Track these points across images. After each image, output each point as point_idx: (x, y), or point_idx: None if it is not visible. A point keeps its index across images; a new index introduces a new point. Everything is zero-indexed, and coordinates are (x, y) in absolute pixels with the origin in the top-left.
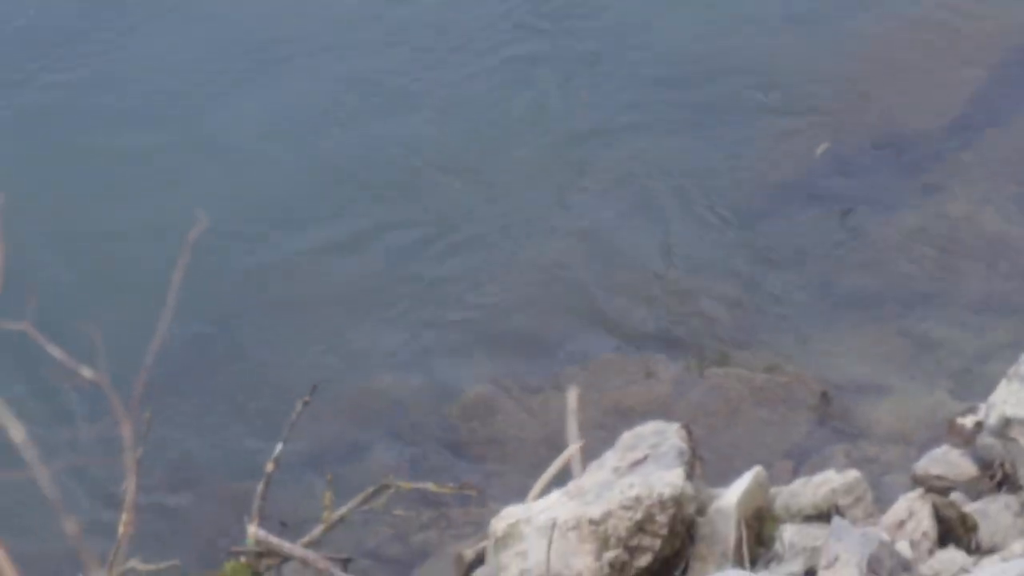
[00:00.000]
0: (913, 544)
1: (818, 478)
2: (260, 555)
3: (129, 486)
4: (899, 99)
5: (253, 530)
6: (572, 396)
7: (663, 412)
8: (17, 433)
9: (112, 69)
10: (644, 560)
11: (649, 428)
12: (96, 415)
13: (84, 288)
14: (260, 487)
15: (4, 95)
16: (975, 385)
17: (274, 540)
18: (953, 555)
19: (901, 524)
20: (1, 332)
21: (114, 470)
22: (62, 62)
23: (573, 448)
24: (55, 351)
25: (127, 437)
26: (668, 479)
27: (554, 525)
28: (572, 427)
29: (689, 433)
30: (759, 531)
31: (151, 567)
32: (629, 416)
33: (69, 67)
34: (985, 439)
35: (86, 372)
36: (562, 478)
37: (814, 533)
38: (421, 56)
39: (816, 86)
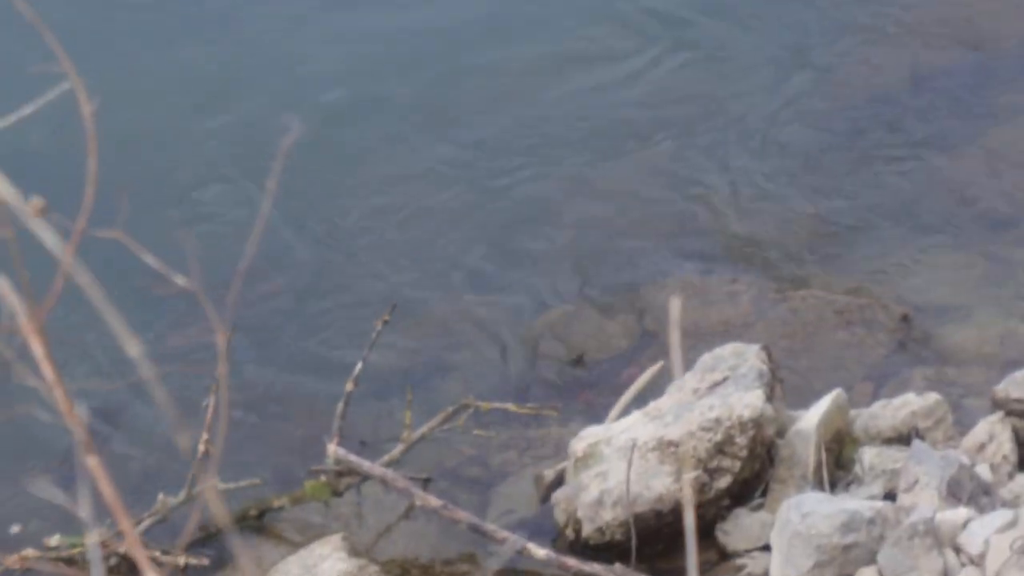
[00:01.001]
0: (993, 467)
1: (898, 401)
2: (340, 474)
3: (215, 403)
4: (978, 19)
5: (333, 449)
6: (675, 306)
7: (742, 334)
8: (134, 348)
9: None
10: (724, 482)
11: (728, 350)
12: (177, 327)
13: (175, 196)
14: (340, 406)
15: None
16: None
17: (354, 459)
18: None
19: (981, 447)
20: (94, 239)
21: (194, 386)
22: None
23: (653, 368)
24: (149, 258)
25: (222, 349)
26: (748, 401)
27: (634, 446)
28: (675, 338)
29: (769, 355)
30: (839, 454)
31: (231, 485)
32: (708, 338)
33: None
34: None
35: (180, 280)
36: (642, 399)
37: (894, 456)
38: None
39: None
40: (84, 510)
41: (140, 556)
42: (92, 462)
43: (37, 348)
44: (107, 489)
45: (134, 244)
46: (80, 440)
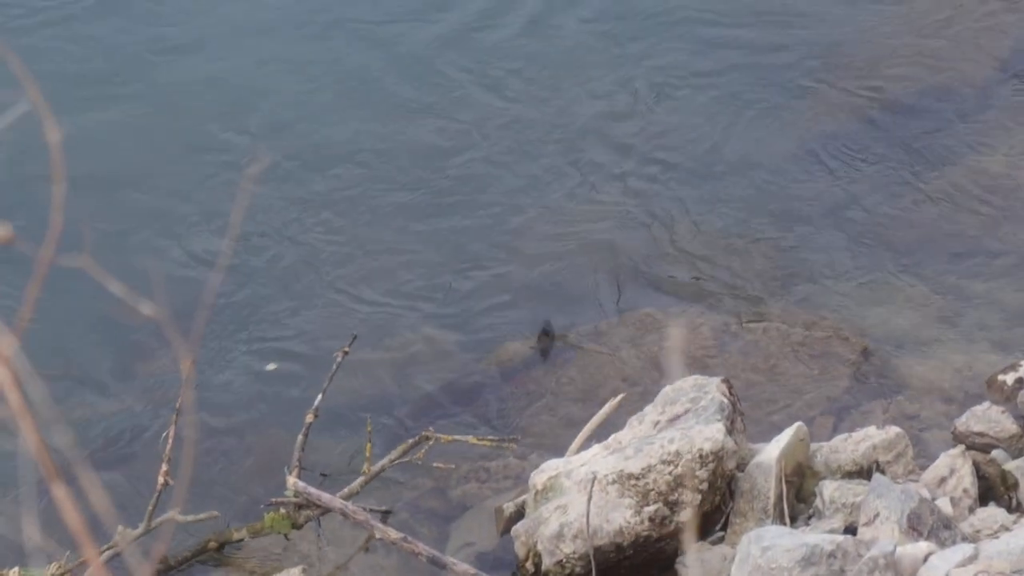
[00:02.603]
0: (954, 501)
1: (858, 434)
2: (299, 507)
3: (168, 435)
4: (939, 52)
5: (292, 481)
6: (675, 334)
7: (703, 367)
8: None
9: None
10: (684, 515)
11: (689, 382)
12: (147, 356)
13: (141, 224)
14: (300, 438)
15: (55, 32)
16: (1016, 341)
17: (313, 492)
18: (994, 512)
19: (942, 481)
20: (61, 268)
21: (156, 417)
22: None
23: (614, 401)
24: (115, 287)
25: (186, 378)
26: (708, 433)
27: (594, 479)
28: (675, 365)
29: (729, 387)
30: (799, 487)
31: (190, 518)
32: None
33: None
34: None
35: (145, 309)
36: (603, 432)
37: (854, 489)
38: None
39: (857, 38)
40: (32, 542)
41: None
42: (58, 492)
43: (4, 377)
44: (73, 519)
45: (100, 272)
46: (46, 471)
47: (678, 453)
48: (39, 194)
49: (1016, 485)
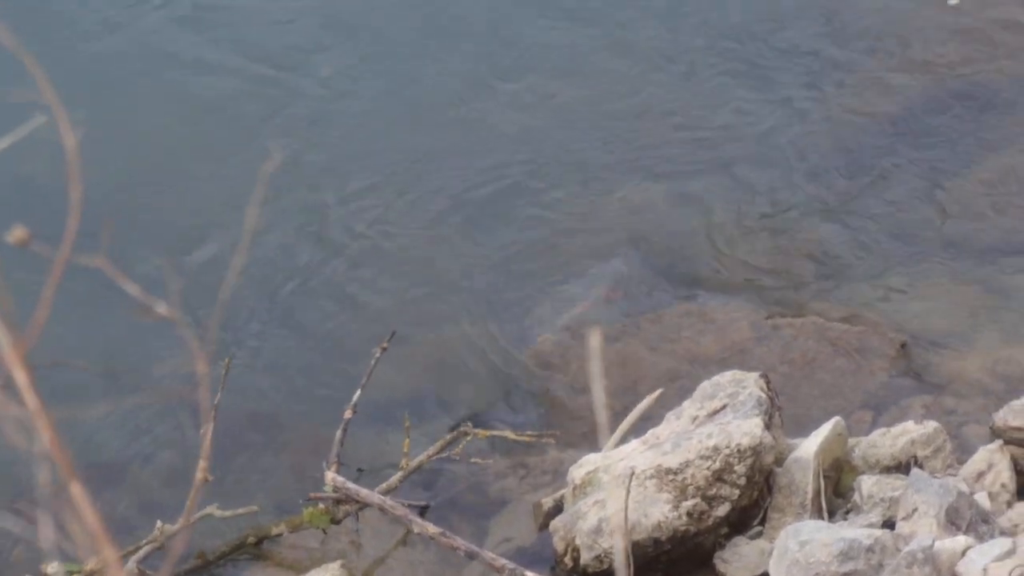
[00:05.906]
0: (992, 496)
1: (897, 429)
2: (338, 501)
3: (206, 431)
4: (979, 43)
5: (331, 476)
6: (594, 338)
7: (740, 362)
8: None
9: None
10: (722, 510)
11: (727, 377)
12: (172, 354)
13: (161, 222)
14: (338, 434)
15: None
16: None
17: (352, 487)
18: None
19: (980, 476)
20: (77, 267)
21: (190, 415)
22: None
23: (652, 396)
24: (130, 287)
25: (202, 376)
26: (746, 428)
27: (632, 474)
28: (595, 369)
29: (768, 382)
30: (837, 482)
31: (228, 513)
32: (707, 365)
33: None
34: None
35: (161, 308)
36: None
37: (892, 484)
38: None
39: (902, 23)
40: (47, 541)
41: None
42: (75, 491)
43: (20, 377)
44: (90, 517)
45: (116, 272)
46: (63, 470)
47: (716, 448)
48: (54, 194)
49: None
